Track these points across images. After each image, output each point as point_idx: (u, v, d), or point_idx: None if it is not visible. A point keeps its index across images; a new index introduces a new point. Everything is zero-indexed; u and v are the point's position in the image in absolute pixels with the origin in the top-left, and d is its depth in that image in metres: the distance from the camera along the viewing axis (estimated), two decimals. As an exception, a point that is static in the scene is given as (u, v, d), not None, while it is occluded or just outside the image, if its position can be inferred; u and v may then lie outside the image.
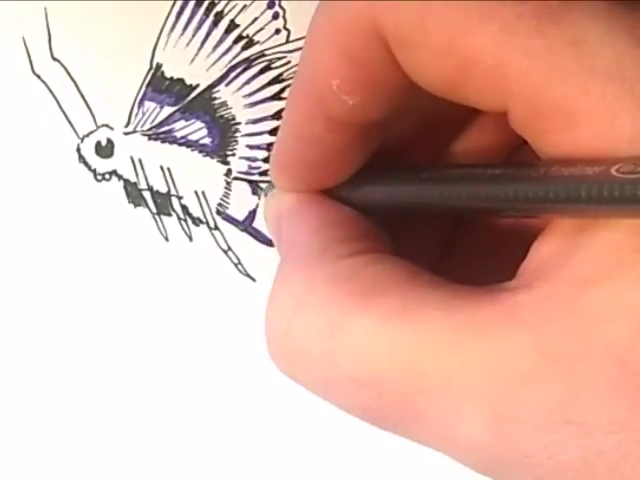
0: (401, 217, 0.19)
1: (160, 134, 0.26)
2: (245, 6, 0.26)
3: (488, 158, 0.18)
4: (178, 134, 0.26)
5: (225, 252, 0.26)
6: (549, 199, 0.13)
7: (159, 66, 0.26)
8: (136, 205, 0.26)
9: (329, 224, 0.18)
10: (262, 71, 0.26)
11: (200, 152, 0.26)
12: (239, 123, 0.26)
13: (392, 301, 0.15)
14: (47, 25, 0.26)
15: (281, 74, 0.26)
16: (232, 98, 0.26)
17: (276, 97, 0.26)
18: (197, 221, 0.26)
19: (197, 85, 0.26)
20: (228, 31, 0.26)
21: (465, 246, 0.19)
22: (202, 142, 0.26)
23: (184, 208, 0.26)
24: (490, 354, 0.13)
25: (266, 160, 0.26)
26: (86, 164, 0.26)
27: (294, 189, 0.19)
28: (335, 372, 0.15)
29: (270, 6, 0.26)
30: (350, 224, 0.18)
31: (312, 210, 0.18)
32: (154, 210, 0.26)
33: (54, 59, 0.26)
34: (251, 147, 0.26)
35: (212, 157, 0.26)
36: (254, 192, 0.26)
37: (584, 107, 0.13)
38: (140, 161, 0.26)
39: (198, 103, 0.26)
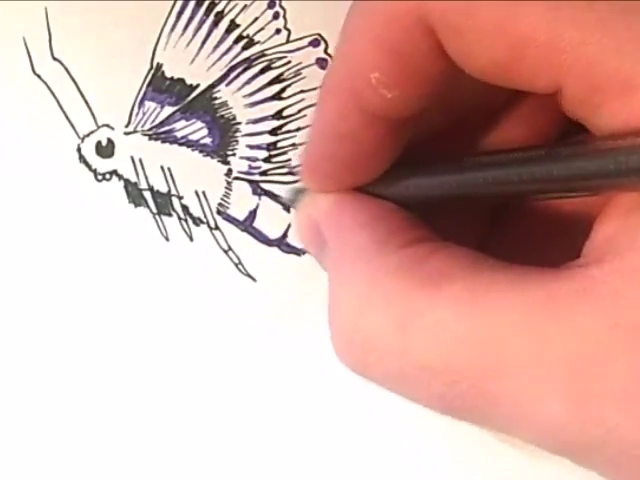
0: (439, 208, 0.18)
1: (160, 134, 0.26)
2: (245, 6, 0.26)
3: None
4: (178, 134, 0.26)
5: (226, 252, 0.26)
6: (599, 174, 0.13)
7: (159, 66, 0.26)
8: (136, 205, 0.26)
9: (376, 219, 0.17)
10: (262, 71, 0.26)
11: (200, 152, 0.26)
12: (239, 123, 0.26)
13: (461, 287, 0.15)
14: (47, 25, 0.26)
15: (281, 74, 0.26)
16: (232, 98, 0.26)
17: (276, 97, 0.26)
18: (197, 221, 0.26)
19: (197, 85, 0.26)
20: (228, 31, 0.26)
21: (509, 232, 0.19)
22: (202, 142, 0.26)
23: (184, 208, 0.26)
24: (566, 331, 0.13)
25: (266, 160, 0.26)
26: (86, 164, 0.26)
27: (328, 189, 0.18)
28: (409, 363, 0.15)
29: (270, 6, 0.26)
30: (396, 217, 0.17)
31: (354, 207, 0.18)
32: (154, 210, 0.26)
33: (54, 59, 0.26)
34: (251, 147, 0.26)
35: (212, 157, 0.26)
36: (254, 192, 0.26)
37: (639, 74, 0.13)
38: (140, 161, 0.26)
39: (198, 103, 0.26)
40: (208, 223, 0.26)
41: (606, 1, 0.13)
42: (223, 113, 0.26)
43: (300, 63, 0.26)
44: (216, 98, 0.26)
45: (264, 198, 0.26)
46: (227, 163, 0.26)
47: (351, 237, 0.17)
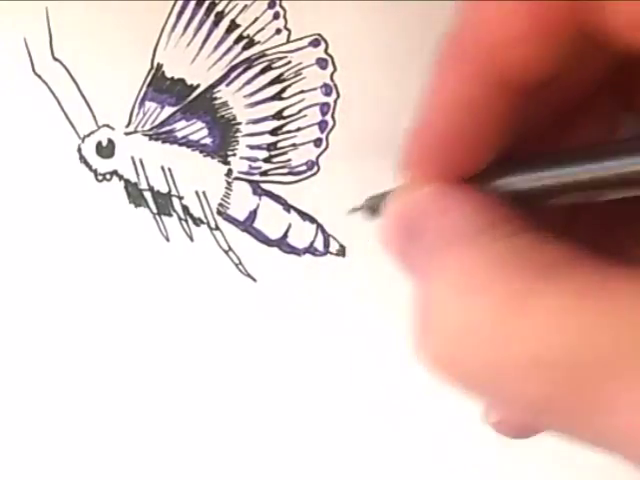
0: (531, 206, 0.18)
1: (161, 134, 0.26)
2: (246, 6, 0.26)
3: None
4: (179, 134, 0.26)
5: (226, 252, 0.26)
6: None
7: (160, 66, 0.26)
8: (137, 205, 0.26)
9: (477, 209, 0.17)
10: (263, 71, 0.26)
11: (201, 152, 0.26)
12: (240, 123, 0.26)
13: (582, 278, 0.14)
14: (48, 25, 0.26)
15: (282, 74, 0.26)
16: (233, 98, 0.26)
17: (277, 97, 0.26)
18: (198, 221, 0.26)
19: (198, 85, 0.26)
20: (229, 31, 0.26)
21: (583, 229, 0.19)
22: (203, 142, 0.26)
23: (185, 208, 0.26)
24: None
25: (267, 160, 0.26)
26: (87, 164, 0.26)
27: (431, 177, 0.18)
28: (510, 355, 0.14)
29: (271, 6, 0.26)
30: (497, 209, 0.17)
31: (457, 196, 0.17)
32: (155, 210, 0.26)
33: (55, 59, 0.26)
34: (252, 147, 0.26)
35: (213, 157, 0.26)
36: (255, 192, 0.26)
37: None
38: (141, 161, 0.26)
39: (199, 103, 0.26)
40: (208, 223, 0.26)
41: None
42: (223, 113, 0.26)
43: (300, 63, 0.26)
44: (216, 98, 0.26)
45: (264, 198, 0.26)
46: (227, 163, 0.26)
47: (452, 224, 0.16)
